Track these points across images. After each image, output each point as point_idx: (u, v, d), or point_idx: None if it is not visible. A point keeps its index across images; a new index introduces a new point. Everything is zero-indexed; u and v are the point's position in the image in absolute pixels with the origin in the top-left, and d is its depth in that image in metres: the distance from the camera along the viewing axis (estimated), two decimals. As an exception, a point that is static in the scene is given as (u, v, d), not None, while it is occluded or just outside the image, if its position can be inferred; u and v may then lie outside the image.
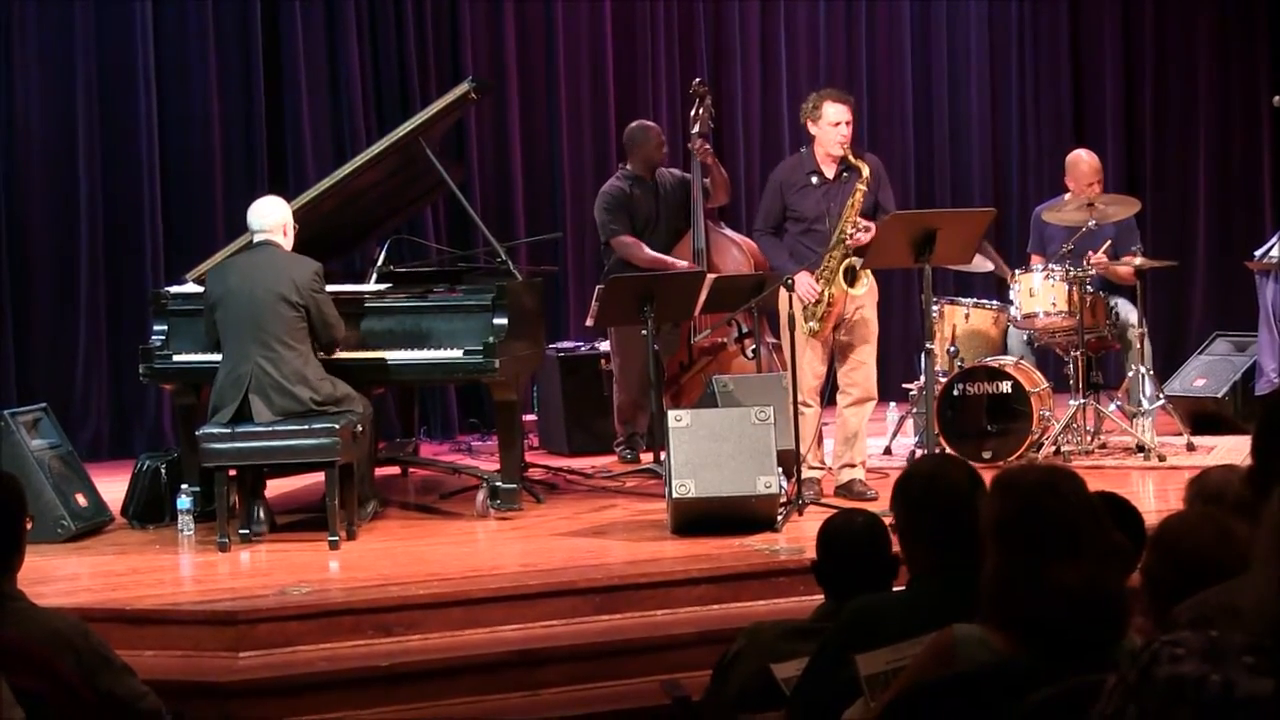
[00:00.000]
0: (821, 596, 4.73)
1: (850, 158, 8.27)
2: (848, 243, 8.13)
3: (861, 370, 8.33)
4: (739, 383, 8.40)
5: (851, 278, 8.08)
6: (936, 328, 9.30)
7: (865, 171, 8.22)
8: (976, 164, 12.76)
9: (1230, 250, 12.13)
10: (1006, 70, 12.82)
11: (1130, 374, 9.48)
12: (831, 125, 8.30)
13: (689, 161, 9.74)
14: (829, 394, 8.64)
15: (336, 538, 7.59)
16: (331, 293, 8.02)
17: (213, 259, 8.42)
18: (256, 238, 7.90)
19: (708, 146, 9.68)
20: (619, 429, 9.96)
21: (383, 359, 8.13)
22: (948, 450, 8.64)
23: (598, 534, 7.82)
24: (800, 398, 8.04)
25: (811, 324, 8.16)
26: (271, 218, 7.90)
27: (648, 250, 9.57)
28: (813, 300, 8.13)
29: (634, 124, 10.03)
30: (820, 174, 8.37)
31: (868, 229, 8.12)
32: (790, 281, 8.01)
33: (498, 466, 8.42)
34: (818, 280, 8.13)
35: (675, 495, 7.49)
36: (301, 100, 11.10)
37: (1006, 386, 9.01)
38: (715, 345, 9.64)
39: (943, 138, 12.72)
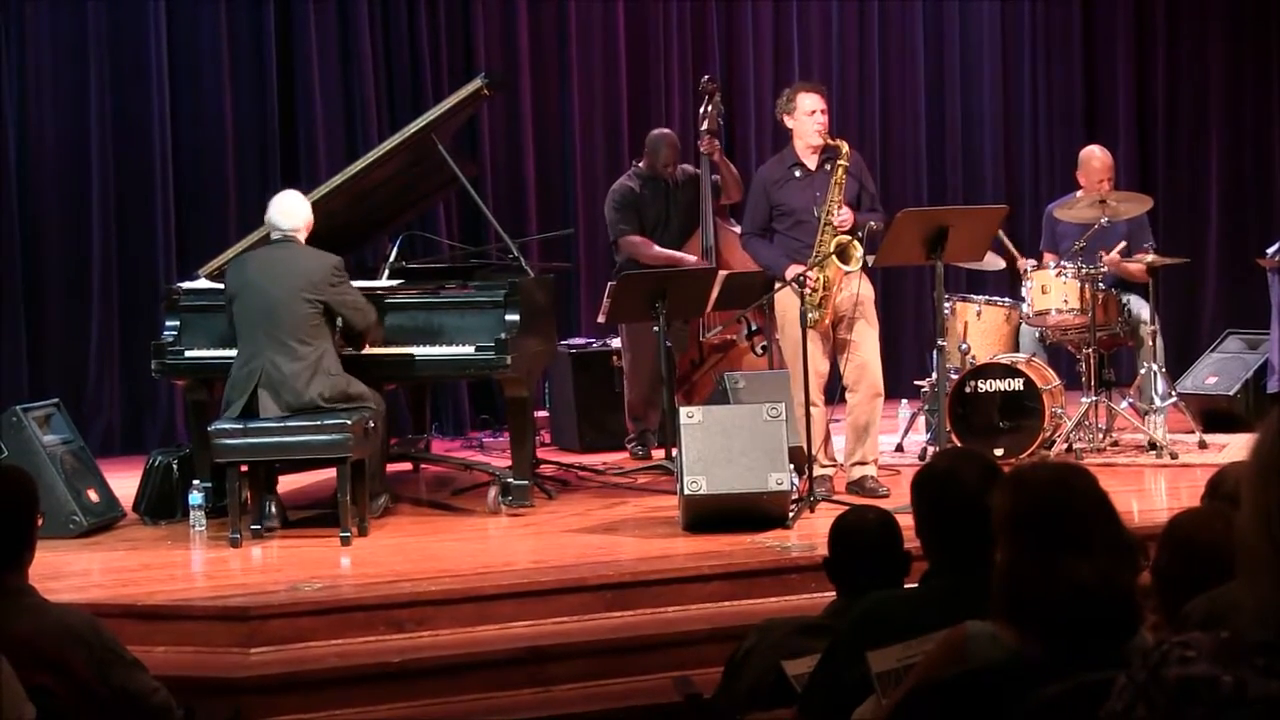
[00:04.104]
0: (833, 593, 4.72)
1: (829, 141, 8.30)
2: (835, 224, 8.15)
3: (867, 366, 8.32)
4: (750, 380, 8.39)
5: (845, 255, 8.08)
6: (949, 325, 9.28)
7: (845, 148, 8.26)
8: (988, 161, 12.75)
9: (1242, 248, 12.09)
10: (1019, 68, 12.80)
11: (1142, 371, 9.47)
12: (807, 115, 8.36)
13: (700, 158, 9.74)
14: (838, 392, 8.64)
15: (348, 534, 7.59)
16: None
17: (225, 254, 8.43)
18: (276, 234, 7.90)
19: (716, 144, 9.69)
20: (630, 425, 9.96)
21: (395, 355, 8.14)
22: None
23: (609, 530, 7.82)
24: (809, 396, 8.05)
25: (812, 314, 8.15)
26: (298, 216, 7.90)
27: (655, 248, 9.60)
28: (809, 289, 8.14)
29: (656, 131, 10.09)
30: (802, 166, 8.41)
31: (846, 214, 8.17)
32: (802, 279, 8.02)
33: (509, 463, 8.43)
34: (811, 268, 8.13)
35: (687, 492, 7.49)
36: (314, 96, 11.11)
37: (1018, 384, 9.01)
38: (725, 342, 9.64)
39: (955, 135, 12.71)
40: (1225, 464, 4.38)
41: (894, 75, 12.65)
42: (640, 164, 9.92)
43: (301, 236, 7.89)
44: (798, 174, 8.42)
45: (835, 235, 8.14)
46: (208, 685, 6.06)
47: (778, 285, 8.26)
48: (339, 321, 7.87)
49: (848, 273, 8.15)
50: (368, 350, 8.10)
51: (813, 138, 8.36)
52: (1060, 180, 11.87)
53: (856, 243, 8.09)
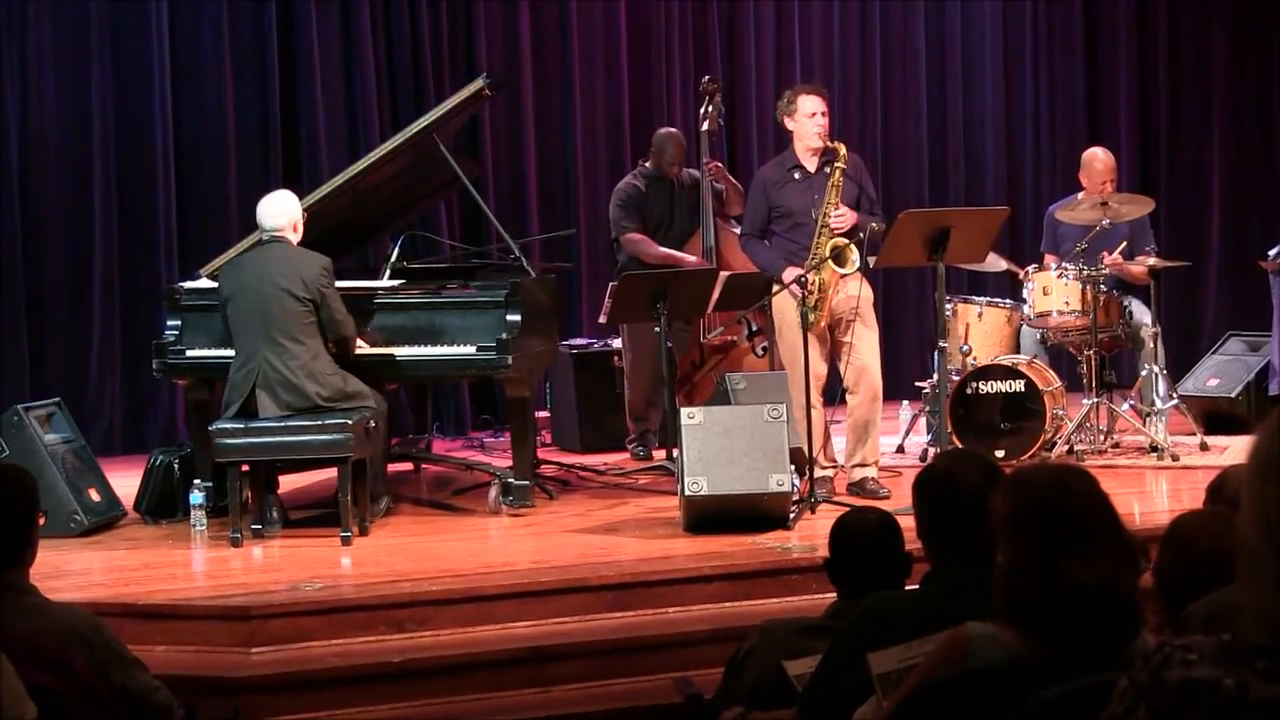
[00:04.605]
0: (834, 594, 4.72)
1: (828, 144, 8.31)
2: (832, 226, 8.15)
3: (866, 368, 8.31)
4: (751, 380, 8.39)
5: (840, 259, 8.07)
6: (950, 326, 9.29)
7: (842, 150, 8.26)
8: (990, 163, 12.75)
9: (1244, 250, 12.10)
10: (1020, 68, 12.80)
11: (1143, 373, 9.46)
12: (808, 117, 8.37)
13: (701, 160, 9.74)
14: (838, 394, 8.63)
15: (349, 533, 7.59)
16: (345, 289, 8.04)
17: (227, 254, 8.43)
18: (266, 235, 7.91)
19: (720, 166, 9.73)
20: (631, 426, 9.97)
21: (396, 354, 8.14)
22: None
23: (610, 531, 7.82)
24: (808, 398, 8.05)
25: (809, 316, 8.14)
26: (285, 215, 7.91)
27: (657, 247, 9.61)
28: (806, 292, 8.13)
29: (663, 130, 10.10)
30: (802, 169, 8.42)
31: (846, 214, 8.16)
32: (805, 279, 8.02)
33: (510, 463, 8.42)
34: (807, 271, 8.13)
35: (688, 493, 7.49)
36: (316, 96, 11.11)
37: (1020, 385, 9.00)
38: (726, 343, 9.64)
39: (957, 136, 12.71)
40: (1226, 467, 4.37)
41: (895, 75, 12.64)
42: (646, 163, 9.93)
43: (290, 234, 7.89)
44: (797, 176, 8.42)
45: (832, 238, 8.14)
46: (208, 685, 6.06)
47: (775, 288, 8.26)
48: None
49: (843, 275, 8.15)
50: (369, 350, 8.10)
51: (812, 140, 8.37)
52: (1062, 181, 11.86)
53: (852, 246, 8.09)
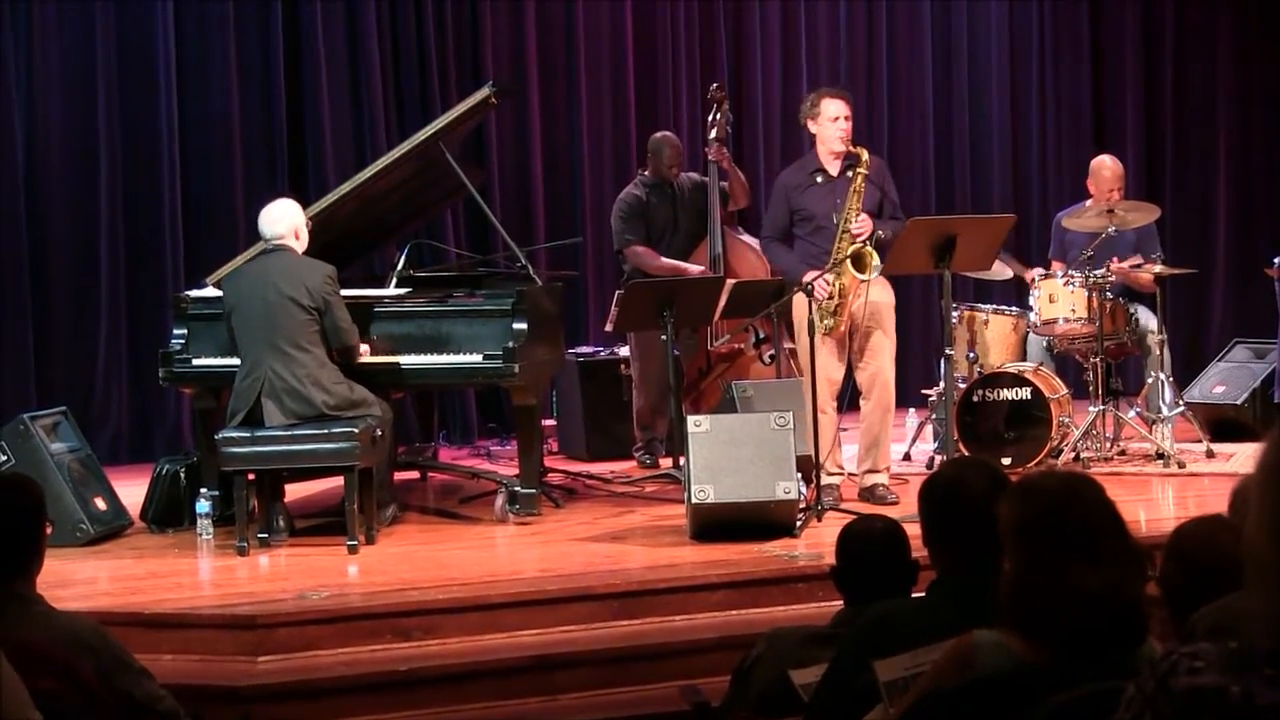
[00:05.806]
0: (840, 602, 4.72)
1: (850, 148, 8.30)
2: (853, 231, 8.15)
3: (879, 377, 8.32)
4: (758, 388, 8.39)
5: (860, 264, 8.06)
6: (956, 334, 9.28)
7: (865, 155, 8.25)
8: (996, 169, 12.75)
9: (1250, 257, 12.10)
10: (1027, 74, 12.80)
11: (1150, 381, 9.46)
12: (831, 120, 8.36)
13: (708, 165, 9.73)
14: (850, 400, 8.64)
15: (355, 542, 7.59)
16: (351, 297, 8.04)
17: (233, 262, 8.42)
18: (269, 243, 7.90)
19: (725, 151, 9.69)
20: (638, 434, 9.96)
21: (402, 363, 8.14)
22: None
23: (616, 539, 7.82)
24: (818, 403, 8.04)
25: (826, 321, 8.14)
26: (283, 223, 7.90)
27: (660, 259, 9.59)
28: (826, 296, 8.13)
29: (657, 134, 10.07)
30: (824, 172, 8.41)
31: (864, 222, 8.15)
32: (811, 286, 8.01)
33: (517, 471, 8.43)
34: (824, 273, 8.12)
35: (694, 500, 7.49)
36: (322, 103, 11.12)
37: (1026, 393, 8.99)
38: (733, 351, 9.64)
39: (963, 142, 12.71)
40: (1245, 475, 4.37)
41: (902, 81, 12.65)
42: (646, 172, 9.92)
43: (292, 241, 7.88)
44: (819, 180, 8.42)
45: (853, 243, 8.13)
46: (214, 693, 6.06)
47: (795, 289, 8.25)
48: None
49: (863, 280, 8.14)
50: (377, 359, 8.10)
51: (835, 144, 8.36)
52: (1069, 188, 11.86)
53: (873, 250, 8.08)
